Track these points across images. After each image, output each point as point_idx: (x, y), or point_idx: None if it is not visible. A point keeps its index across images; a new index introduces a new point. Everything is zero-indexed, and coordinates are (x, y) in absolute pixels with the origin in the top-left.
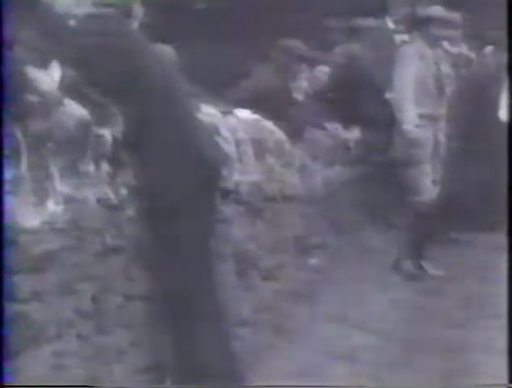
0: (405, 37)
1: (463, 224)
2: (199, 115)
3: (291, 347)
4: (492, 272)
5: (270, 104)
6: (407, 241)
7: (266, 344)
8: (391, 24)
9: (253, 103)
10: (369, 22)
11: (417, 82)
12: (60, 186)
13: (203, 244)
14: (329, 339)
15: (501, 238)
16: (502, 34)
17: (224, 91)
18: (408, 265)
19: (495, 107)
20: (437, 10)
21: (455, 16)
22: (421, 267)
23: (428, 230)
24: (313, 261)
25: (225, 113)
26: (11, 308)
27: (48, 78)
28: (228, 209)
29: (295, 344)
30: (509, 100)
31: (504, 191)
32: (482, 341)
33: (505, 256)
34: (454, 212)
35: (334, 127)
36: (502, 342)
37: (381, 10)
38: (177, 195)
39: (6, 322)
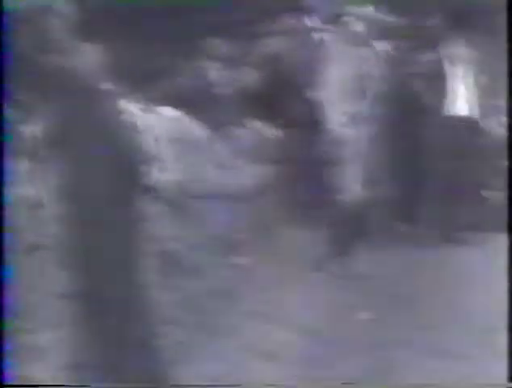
0: (326, 36)
1: (390, 222)
2: (120, 113)
3: (214, 346)
4: (418, 270)
5: (191, 102)
6: (331, 239)
7: (190, 342)
8: (311, 23)
9: (175, 101)
10: (290, 20)
11: (342, 82)
12: None
13: (125, 242)
14: (252, 337)
15: (427, 235)
16: (434, 33)
17: (146, 89)
18: (333, 263)
19: (421, 107)
20: (363, 10)
21: (382, 16)
22: (346, 266)
23: (352, 229)
24: (237, 259)
25: (146, 111)
26: None
27: None
28: (149, 208)
29: (218, 342)
30: (509, 102)
31: (432, 187)
32: (404, 338)
33: (431, 252)
34: (379, 210)
35: (257, 125)
36: (425, 339)
37: (302, 9)
38: (98, 193)
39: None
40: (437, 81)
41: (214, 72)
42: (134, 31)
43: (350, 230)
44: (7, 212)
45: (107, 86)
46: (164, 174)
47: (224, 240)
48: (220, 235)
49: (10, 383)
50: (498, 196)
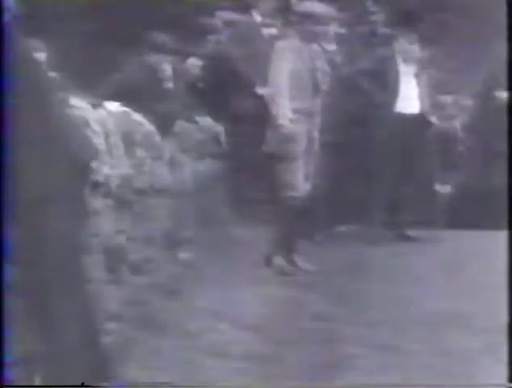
0: (274, 31)
1: (338, 218)
2: (69, 109)
3: (160, 342)
4: (364, 267)
5: (139, 97)
6: (278, 236)
7: (135, 339)
8: (259, 18)
9: (123, 96)
10: (237, 16)
11: (292, 77)
12: None
13: (72, 238)
14: (198, 333)
15: (375, 232)
16: (387, 31)
17: (94, 85)
18: (279, 260)
19: (371, 103)
20: (312, 6)
21: (332, 12)
22: (292, 262)
23: (299, 225)
24: (183, 255)
25: (95, 106)
26: None
27: None
28: (97, 203)
29: (164, 339)
30: (509, 102)
31: (382, 185)
32: (353, 335)
33: (376, 250)
34: (329, 206)
35: (205, 120)
36: (374, 336)
37: (249, 5)
38: (46, 188)
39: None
40: (388, 78)
41: (161, 66)
42: (79, 26)
43: (297, 227)
44: None
45: (56, 81)
46: (113, 169)
47: (170, 236)
48: (167, 231)
49: (10, 383)
50: (449, 190)
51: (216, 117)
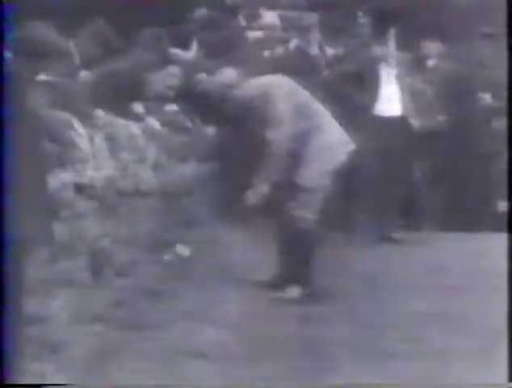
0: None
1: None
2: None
3: (144, 345)
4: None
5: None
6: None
7: (119, 341)
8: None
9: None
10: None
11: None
12: None
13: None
14: (183, 336)
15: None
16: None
17: None
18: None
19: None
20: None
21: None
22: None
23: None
24: (167, 257)
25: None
26: None
27: None
28: (82, 205)
29: (148, 341)
30: (509, 102)
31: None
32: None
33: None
34: None
35: (191, 123)
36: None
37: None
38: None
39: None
40: (370, 80)
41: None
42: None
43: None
44: None
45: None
46: (97, 171)
47: (155, 238)
48: (152, 233)
49: (10, 383)
50: (431, 195)
51: (202, 120)
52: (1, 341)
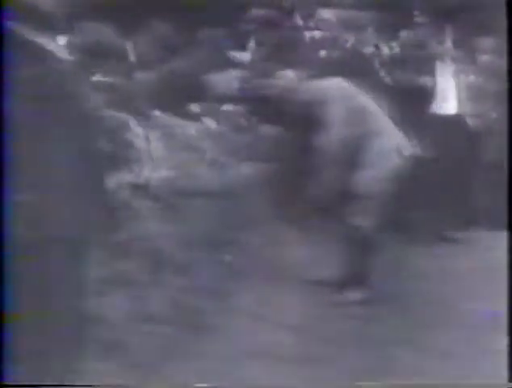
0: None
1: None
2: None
3: (203, 344)
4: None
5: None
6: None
7: (181, 342)
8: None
9: None
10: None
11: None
12: None
13: None
14: (243, 336)
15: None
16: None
17: None
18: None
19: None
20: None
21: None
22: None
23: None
24: (227, 257)
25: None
26: None
27: None
28: (140, 205)
29: (208, 341)
30: (509, 103)
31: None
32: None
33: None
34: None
35: (248, 123)
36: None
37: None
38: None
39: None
40: (426, 78)
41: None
42: None
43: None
44: None
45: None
46: (155, 172)
47: (214, 238)
48: (211, 233)
49: (10, 383)
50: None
51: (265, 121)
52: (1, 341)
